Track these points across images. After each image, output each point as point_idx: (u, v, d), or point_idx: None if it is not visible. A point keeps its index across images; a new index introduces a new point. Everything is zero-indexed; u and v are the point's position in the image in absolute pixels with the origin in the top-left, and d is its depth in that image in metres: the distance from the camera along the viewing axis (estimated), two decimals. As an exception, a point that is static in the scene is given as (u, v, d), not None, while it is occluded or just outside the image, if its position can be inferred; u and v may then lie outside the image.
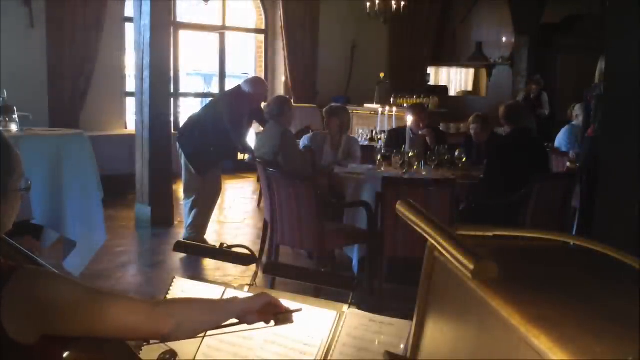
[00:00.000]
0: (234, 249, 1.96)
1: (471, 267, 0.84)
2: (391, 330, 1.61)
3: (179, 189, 6.85)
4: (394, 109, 8.34)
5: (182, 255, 5.31)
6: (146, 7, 6.41)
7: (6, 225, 1.56)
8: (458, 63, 13.07)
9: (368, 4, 9.70)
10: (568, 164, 6.41)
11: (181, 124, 6.52)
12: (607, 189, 3.87)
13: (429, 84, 12.84)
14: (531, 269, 1.01)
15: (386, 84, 11.10)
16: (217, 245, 2.04)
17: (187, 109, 9.77)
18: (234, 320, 1.58)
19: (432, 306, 1.12)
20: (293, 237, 4.61)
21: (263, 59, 11.09)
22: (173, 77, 8.75)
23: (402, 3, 9.68)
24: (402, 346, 1.56)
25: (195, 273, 4.98)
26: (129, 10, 8.28)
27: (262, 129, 6.26)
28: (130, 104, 8.42)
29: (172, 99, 7.28)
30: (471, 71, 13.49)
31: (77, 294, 1.42)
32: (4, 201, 1.51)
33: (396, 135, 6.11)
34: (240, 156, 6.61)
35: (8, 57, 7.21)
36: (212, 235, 6.19)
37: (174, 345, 1.74)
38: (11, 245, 1.67)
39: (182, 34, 10.07)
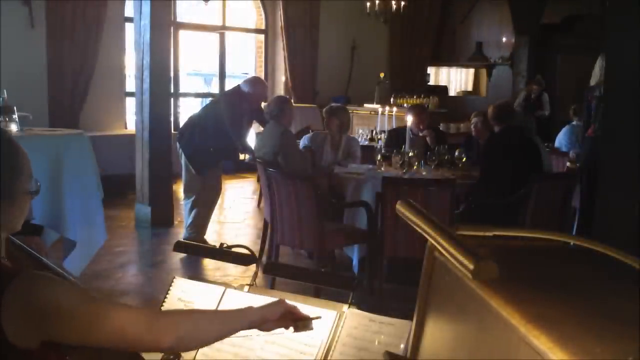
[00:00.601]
0: (234, 249, 1.96)
1: (471, 267, 0.84)
2: (391, 330, 1.61)
3: (179, 189, 6.85)
4: (394, 109, 8.34)
5: (182, 255, 5.31)
6: (146, 7, 6.41)
7: (14, 227, 1.55)
8: (458, 63, 13.07)
9: (368, 4, 9.71)
10: (568, 164, 6.41)
11: (181, 124, 6.51)
12: (607, 189, 3.87)
13: (429, 84, 12.84)
14: (531, 268, 1.01)
15: (386, 84, 11.10)
16: (217, 245, 2.04)
17: (187, 109, 9.77)
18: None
19: (432, 306, 1.12)
20: (293, 237, 4.61)
21: (263, 59, 11.08)
22: (173, 77, 8.75)
23: (402, 3, 9.68)
24: (402, 346, 1.56)
25: (195, 273, 4.98)
26: (129, 10, 8.28)
27: (262, 129, 6.26)
28: (130, 104, 8.42)
29: (172, 99, 7.28)
30: (471, 71, 13.49)
31: (78, 302, 1.41)
32: (11, 202, 1.50)
33: (396, 135, 6.11)
34: (240, 156, 6.61)
35: (8, 57, 7.21)
36: (212, 235, 6.19)
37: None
38: (17, 246, 1.66)
39: (182, 34, 10.07)
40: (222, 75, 10.63)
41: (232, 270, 4.99)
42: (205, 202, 5.84)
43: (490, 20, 12.42)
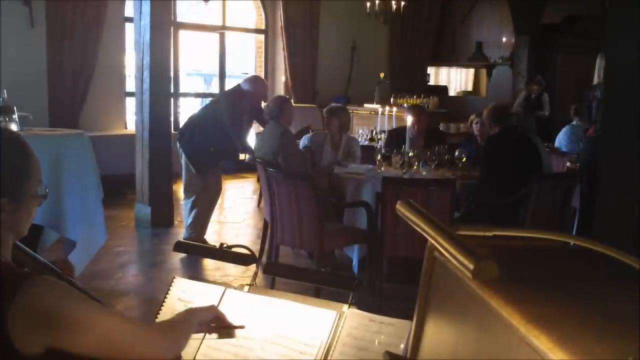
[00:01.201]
0: (234, 249, 1.95)
1: (471, 267, 0.84)
2: (391, 330, 1.61)
3: (179, 189, 6.85)
4: (394, 109, 8.34)
5: (182, 255, 5.31)
6: (146, 7, 6.41)
7: (22, 232, 1.53)
8: (458, 63, 13.07)
9: (368, 4, 9.70)
10: (568, 164, 6.40)
11: (181, 124, 6.52)
12: (607, 189, 3.87)
13: (429, 84, 12.84)
14: (531, 268, 1.01)
15: (386, 84, 11.11)
16: (217, 245, 2.04)
17: (187, 109, 9.77)
18: None
19: (432, 306, 1.12)
20: (293, 237, 4.61)
21: (263, 59, 11.09)
22: (173, 77, 8.75)
23: (402, 3, 9.68)
24: (402, 346, 1.56)
25: (195, 273, 4.98)
26: (129, 10, 8.28)
27: (262, 129, 6.26)
28: (130, 104, 8.42)
29: (172, 99, 7.28)
30: (471, 71, 13.49)
31: (88, 312, 1.41)
32: (19, 206, 1.49)
33: (396, 135, 6.10)
34: (240, 156, 6.61)
35: (8, 57, 7.21)
36: (212, 235, 6.19)
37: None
38: (22, 250, 1.65)
39: (182, 34, 10.07)
40: (222, 75, 10.63)
41: (232, 270, 4.99)
42: (205, 202, 5.84)
43: (490, 20, 12.42)
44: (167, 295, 1.91)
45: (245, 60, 11.62)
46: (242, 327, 1.73)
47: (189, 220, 5.85)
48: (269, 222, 4.87)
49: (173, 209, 6.79)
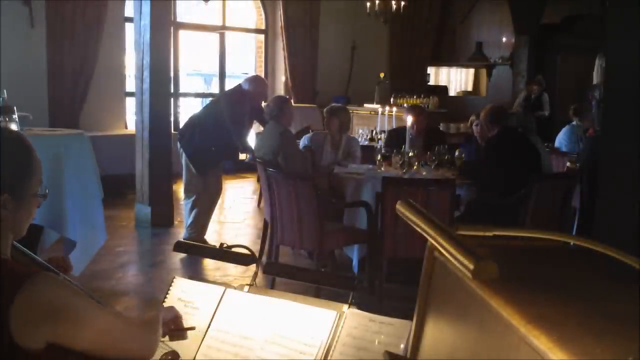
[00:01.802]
0: (234, 249, 1.96)
1: (471, 267, 0.84)
2: (391, 330, 1.61)
3: (179, 189, 6.85)
4: (394, 109, 8.34)
5: (182, 255, 5.31)
6: (146, 7, 6.41)
7: (21, 231, 1.54)
8: (458, 63, 13.07)
9: (368, 4, 9.70)
10: (568, 164, 6.40)
11: (181, 124, 6.52)
12: (607, 189, 3.87)
13: (429, 84, 12.84)
14: (531, 269, 1.01)
15: (386, 84, 11.10)
16: (217, 245, 2.04)
17: (187, 109, 9.77)
18: None
19: (432, 306, 1.12)
20: (293, 237, 4.61)
21: (263, 59, 11.09)
22: (173, 77, 8.75)
23: (402, 3, 9.68)
24: (402, 346, 1.56)
25: (195, 273, 4.98)
26: (129, 10, 8.28)
27: (262, 128, 6.26)
28: (130, 104, 8.42)
29: (172, 99, 7.28)
30: (471, 71, 13.49)
31: (88, 307, 1.42)
32: (20, 204, 1.49)
33: (396, 135, 6.10)
34: (240, 156, 6.61)
35: (8, 57, 7.21)
36: (212, 235, 6.19)
37: (175, 345, 1.75)
38: (23, 252, 1.65)
39: (182, 34, 10.07)
40: (222, 75, 10.63)
41: (232, 270, 4.99)
42: (205, 202, 5.84)
43: (490, 20, 12.43)
44: (167, 295, 1.91)
45: (245, 60, 11.62)
46: (192, 328, 1.77)
47: (189, 220, 5.85)
48: (269, 222, 4.87)
49: (173, 209, 6.79)
